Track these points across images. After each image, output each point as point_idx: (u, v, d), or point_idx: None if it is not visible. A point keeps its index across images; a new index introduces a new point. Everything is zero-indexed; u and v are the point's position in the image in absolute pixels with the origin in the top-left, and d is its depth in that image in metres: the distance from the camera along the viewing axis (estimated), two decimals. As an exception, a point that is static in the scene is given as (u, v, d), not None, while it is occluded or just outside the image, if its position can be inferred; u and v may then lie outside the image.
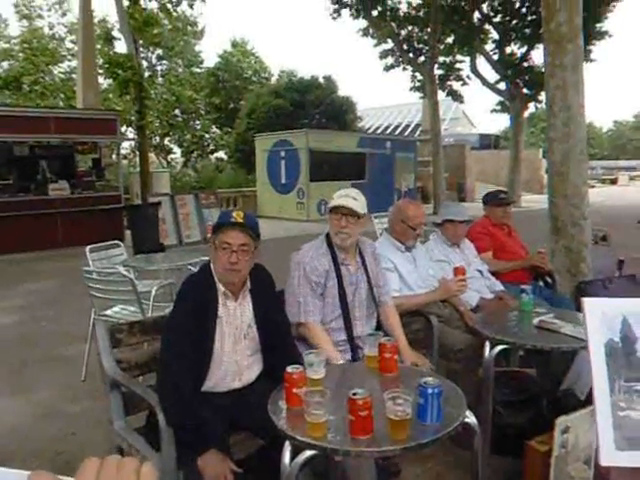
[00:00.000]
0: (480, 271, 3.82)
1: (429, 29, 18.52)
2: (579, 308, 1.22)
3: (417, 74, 20.80)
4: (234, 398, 2.27)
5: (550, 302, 3.69)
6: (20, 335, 5.53)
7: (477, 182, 25.13)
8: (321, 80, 25.85)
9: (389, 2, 19.04)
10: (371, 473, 2.24)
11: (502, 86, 20.68)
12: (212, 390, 2.26)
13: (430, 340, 3.14)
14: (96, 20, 21.94)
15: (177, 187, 19.24)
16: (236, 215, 2.21)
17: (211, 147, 33.62)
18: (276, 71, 33.03)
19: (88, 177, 12.45)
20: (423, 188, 21.57)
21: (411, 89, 21.75)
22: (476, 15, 19.43)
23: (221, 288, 2.26)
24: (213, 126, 32.63)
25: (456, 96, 22.04)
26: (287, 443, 1.75)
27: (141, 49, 16.33)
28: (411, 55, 19.96)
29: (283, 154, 17.16)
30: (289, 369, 1.89)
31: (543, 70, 5.03)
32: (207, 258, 2.46)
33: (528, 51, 19.75)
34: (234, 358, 2.28)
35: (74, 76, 23.41)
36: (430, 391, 1.72)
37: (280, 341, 2.37)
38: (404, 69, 20.93)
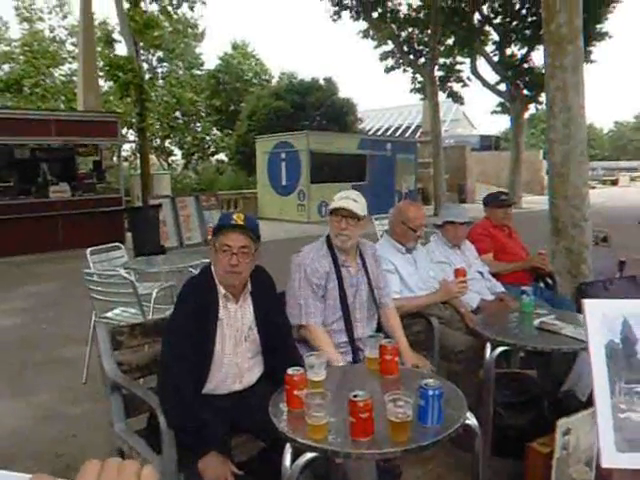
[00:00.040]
0: (481, 273, 3.81)
1: (429, 31, 18.53)
2: (580, 309, 1.22)
3: (417, 76, 20.81)
4: (235, 400, 2.26)
5: (551, 303, 3.69)
6: (21, 337, 5.53)
7: (478, 183, 25.14)
8: (321, 82, 25.88)
9: (389, 4, 19.06)
10: (372, 475, 2.24)
11: (502, 87, 20.69)
12: (213, 392, 2.26)
13: (431, 342, 3.13)
14: (97, 23, 21.98)
15: (178, 189, 19.26)
16: (236, 217, 2.21)
17: (212, 149, 33.63)
18: (277, 73, 33.09)
19: (89, 179, 12.48)
20: (424, 189, 21.58)
21: (411, 91, 21.78)
22: (476, 17, 19.44)
23: (222, 290, 2.25)
24: (214, 128, 32.64)
25: (456, 97, 22.05)
26: (288, 445, 1.75)
27: (142, 51, 16.33)
28: (411, 57, 19.97)
29: (284, 156, 17.17)
30: (290, 371, 1.89)
31: (543, 71, 5.04)
32: (208, 260, 2.46)
33: (528, 52, 19.75)
34: (235, 360, 2.28)
35: (75, 79, 23.45)
36: (431, 393, 1.72)
37: (281, 343, 2.37)
38: (404, 71, 20.95)
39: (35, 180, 11.50)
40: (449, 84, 21.34)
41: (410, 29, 19.85)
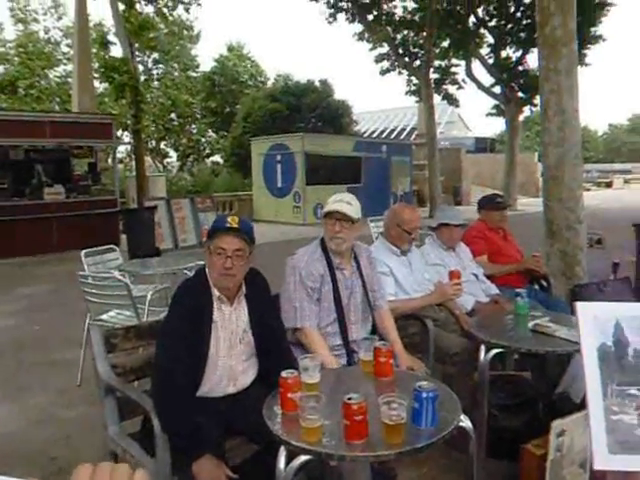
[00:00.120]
0: (475, 275, 3.82)
1: (424, 33, 18.56)
2: (574, 311, 1.22)
3: (413, 78, 20.84)
4: (229, 403, 2.26)
5: (545, 305, 3.69)
6: (15, 339, 5.51)
7: (473, 185, 25.21)
8: (317, 84, 25.91)
9: (385, 6, 19.11)
10: (367, 478, 2.24)
11: (497, 90, 20.75)
12: (207, 395, 2.25)
13: (426, 344, 3.13)
14: (92, 24, 21.91)
15: (173, 191, 19.24)
16: (231, 220, 2.22)
17: (207, 151, 33.62)
18: (272, 75, 33.04)
19: (84, 181, 12.45)
20: (419, 192, 21.62)
21: (407, 93, 21.81)
22: (471, 19, 19.51)
23: (216, 293, 2.25)
24: (209, 130, 32.63)
25: (452, 100, 22.12)
26: (282, 448, 1.75)
27: (137, 53, 16.36)
28: (407, 59, 20.00)
29: (279, 158, 17.18)
30: (284, 374, 1.89)
31: (538, 74, 5.05)
32: (203, 262, 2.46)
33: (523, 55, 19.82)
34: (229, 363, 2.27)
35: (70, 80, 23.43)
36: (425, 395, 1.72)
37: (275, 346, 2.37)
38: (400, 73, 20.98)
39: (29, 182, 11.46)
40: (444, 86, 21.38)
41: (405, 32, 19.89)
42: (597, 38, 18.17)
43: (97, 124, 12.46)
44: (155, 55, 29.21)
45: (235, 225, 2.20)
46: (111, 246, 5.16)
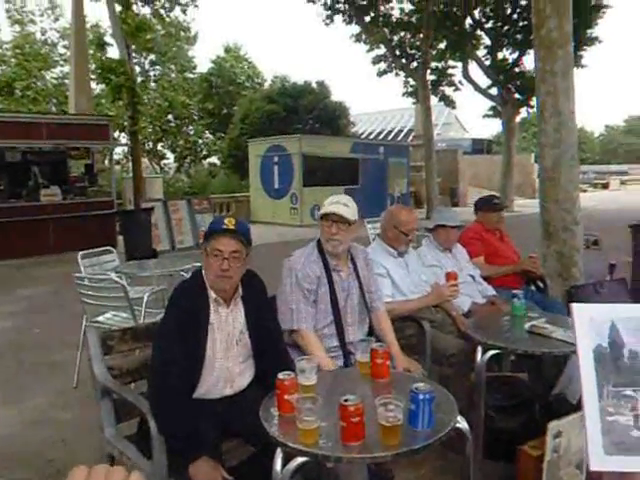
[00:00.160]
0: (472, 276, 3.82)
1: (421, 35, 18.62)
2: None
3: (410, 79, 20.92)
4: (226, 405, 2.26)
5: (542, 306, 3.70)
6: (12, 341, 5.49)
7: (470, 187, 25.22)
8: (314, 85, 25.89)
9: (382, 8, 19.15)
10: (363, 479, 2.24)
11: (494, 91, 20.83)
12: (204, 397, 2.25)
13: (422, 345, 3.14)
14: (88, 25, 21.93)
15: (170, 192, 19.20)
16: (228, 222, 2.21)
17: (204, 152, 33.55)
18: (269, 76, 33.01)
19: (80, 183, 12.42)
20: (416, 193, 21.63)
21: (404, 94, 21.90)
22: (468, 21, 19.59)
23: (213, 295, 2.25)
24: (206, 131, 32.59)
25: (448, 101, 22.19)
26: (279, 450, 1.74)
27: (134, 54, 16.29)
28: (404, 61, 20.06)
29: (276, 159, 17.17)
30: (280, 376, 1.89)
31: (534, 76, 5.07)
32: (199, 264, 2.46)
33: (519, 57, 19.92)
34: (226, 365, 2.27)
35: (66, 81, 23.32)
36: (421, 397, 1.72)
37: (272, 348, 2.37)
38: (397, 74, 21.05)
39: (26, 183, 11.43)
40: (441, 88, 21.47)
41: (402, 33, 19.96)
42: (593, 40, 18.26)
43: (94, 125, 12.44)
44: (152, 56, 29.18)
45: (232, 227, 2.20)
46: (108, 248, 5.15)
